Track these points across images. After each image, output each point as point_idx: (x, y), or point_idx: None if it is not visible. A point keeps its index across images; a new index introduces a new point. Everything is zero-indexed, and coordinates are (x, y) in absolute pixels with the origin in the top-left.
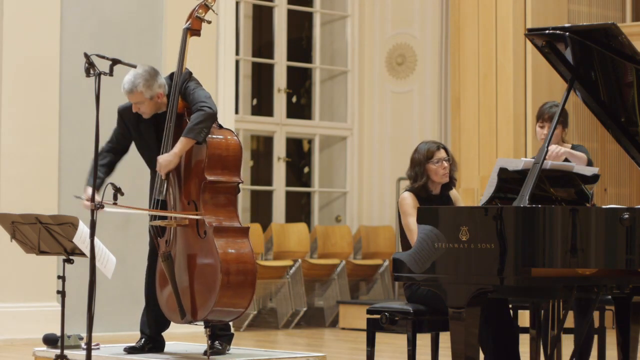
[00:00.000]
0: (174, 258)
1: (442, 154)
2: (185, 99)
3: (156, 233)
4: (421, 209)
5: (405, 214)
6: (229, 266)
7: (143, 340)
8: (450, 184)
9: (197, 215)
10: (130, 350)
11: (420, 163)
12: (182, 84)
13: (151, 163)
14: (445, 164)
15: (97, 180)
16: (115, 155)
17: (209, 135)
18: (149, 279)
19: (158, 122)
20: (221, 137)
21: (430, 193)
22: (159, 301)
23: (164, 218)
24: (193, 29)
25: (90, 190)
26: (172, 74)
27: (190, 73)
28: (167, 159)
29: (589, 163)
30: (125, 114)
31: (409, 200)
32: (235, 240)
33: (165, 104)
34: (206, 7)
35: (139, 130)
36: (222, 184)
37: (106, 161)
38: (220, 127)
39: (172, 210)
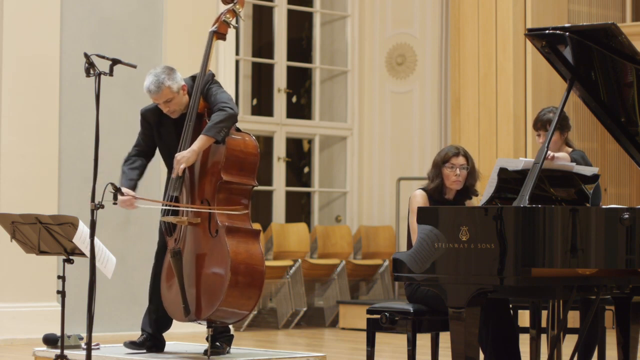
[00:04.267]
0: (182, 255)
1: (459, 160)
2: (207, 100)
3: (166, 229)
4: (421, 209)
5: (413, 212)
6: (239, 266)
7: (144, 337)
8: (469, 192)
9: (212, 209)
10: (130, 345)
11: (437, 165)
12: (205, 85)
13: (171, 164)
14: (459, 171)
15: (131, 182)
16: (144, 158)
17: (229, 136)
18: (155, 276)
19: (178, 124)
20: (240, 138)
21: (443, 197)
22: (164, 298)
23: (176, 214)
24: (219, 33)
25: (125, 188)
26: (193, 76)
27: (213, 75)
28: (185, 155)
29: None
30: (148, 115)
31: (419, 199)
32: (246, 241)
33: (188, 103)
34: (234, 13)
35: (159, 133)
36: (237, 186)
37: (137, 164)
38: (238, 130)
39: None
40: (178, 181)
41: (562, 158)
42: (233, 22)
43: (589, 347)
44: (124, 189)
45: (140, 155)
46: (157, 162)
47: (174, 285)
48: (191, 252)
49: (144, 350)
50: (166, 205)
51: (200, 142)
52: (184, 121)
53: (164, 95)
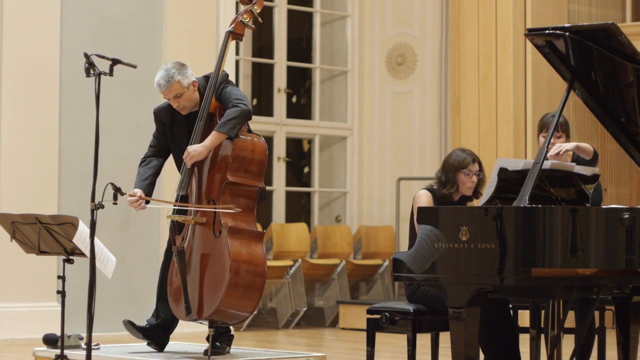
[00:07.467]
0: (187, 254)
1: (475, 167)
2: (220, 98)
3: (174, 228)
4: (421, 209)
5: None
6: (239, 266)
7: (146, 325)
8: (472, 196)
9: (227, 209)
10: (129, 325)
11: (453, 169)
12: (220, 85)
13: (181, 164)
14: (475, 178)
15: (144, 183)
16: (160, 158)
17: (238, 137)
18: (163, 274)
19: (190, 123)
20: (249, 140)
21: (450, 199)
22: (169, 296)
23: (182, 213)
24: (236, 33)
25: (135, 190)
26: (206, 76)
27: (227, 75)
28: (196, 149)
29: (595, 155)
30: (161, 114)
31: (424, 199)
32: (249, 243)
33: (198, 101)
34: (251, 14)
35: (172, 131)
36: (243, 187)
37: (152, 164)
38: (250, 131)
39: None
40: (184, 180)
41: (582, 149)
42: (250, 23)
43: (587, 347)
44: (134, 190)
45: (156, 155)
46: None
47: (178, 284)
48: (196, 251)
49: (141, 335)
50: (175, 206)
51: (213, 138)
52: (196, 120)
53: (174, 90)
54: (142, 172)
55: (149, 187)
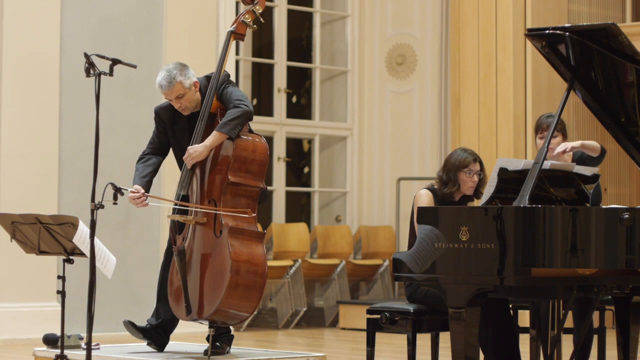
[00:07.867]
0: (187, 254)
1: (476, 166)
2: (221, 99)
3: (174, 228)
4: (421, 209)
5: None
6: (240, 266)
7: (146, 326)
8: (474, 195)
9: (221, 211)
10: (130, 325)
11: (454, 169)
12: (221, 85)
13: (182, 163)
14: (476, 177)
15: (143, 179)
16: (158, 157)
17: (239, 137)
18: (164, 274)
19: (192, 122)
20: (250, 140)
21: (451, 198)
22: (169, 296)
23: (183, 213)
24: (237, 33)
25: (137, 186)
26: (207, 76)
27: (229, 75)
28: (197, 150)
29: (603, 152)
30: (162, 113)
31: (425, 199)
32: (249, 243)
33: (200, 101)
34: (253, 14)
35: (173, 131)
36: (244, 187)
37: (151, 162)
38: (251, 131)
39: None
40: (185, 179)
41: (588, 147)
42: (251, 23)
43: (586, 347)
44: (135, 186)
45: (154, 153)
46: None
47: (178, 283)
48: (196, 251)
49: (141, 335)
50: (177, 205)
51: (213, 138)
52: (197, 120)
53: (176, 90)
54: (140, 169)
55: (147, 184)
